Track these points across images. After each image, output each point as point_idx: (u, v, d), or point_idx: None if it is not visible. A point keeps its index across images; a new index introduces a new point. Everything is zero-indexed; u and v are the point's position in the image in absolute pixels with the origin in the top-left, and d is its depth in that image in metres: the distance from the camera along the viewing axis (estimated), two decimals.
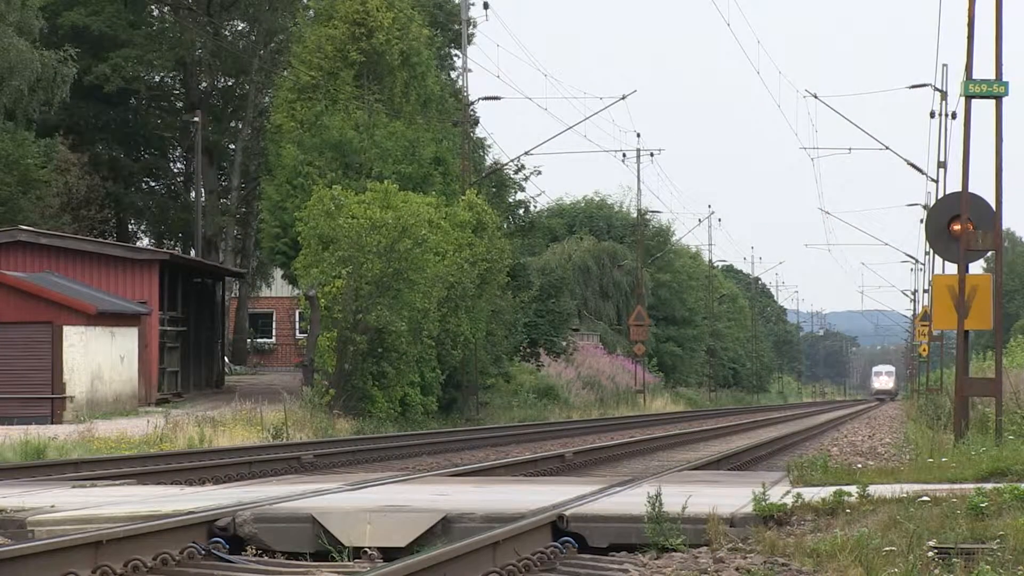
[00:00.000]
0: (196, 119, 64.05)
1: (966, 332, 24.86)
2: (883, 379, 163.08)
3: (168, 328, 49.79)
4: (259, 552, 13.07)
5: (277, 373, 69.48)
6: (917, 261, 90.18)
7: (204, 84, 73.30)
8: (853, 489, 14.20)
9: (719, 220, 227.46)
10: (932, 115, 58.28)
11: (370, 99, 51.85)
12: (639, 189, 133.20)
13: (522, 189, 69.85)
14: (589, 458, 29.60)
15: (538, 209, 76.21)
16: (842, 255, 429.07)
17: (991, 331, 26.82)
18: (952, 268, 26.17)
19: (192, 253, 65.11)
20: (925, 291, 75.30)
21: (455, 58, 72.33)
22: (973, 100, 24.28)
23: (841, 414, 73.86)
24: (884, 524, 12.54)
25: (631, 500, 14.49)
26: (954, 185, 42.62)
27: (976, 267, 29.65)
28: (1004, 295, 29.83)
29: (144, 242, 75.44)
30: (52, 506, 14.45)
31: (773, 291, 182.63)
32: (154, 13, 72.98)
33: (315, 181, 47.45)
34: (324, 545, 12.99)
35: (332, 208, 43.40)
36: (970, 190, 24.64)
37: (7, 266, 45.20)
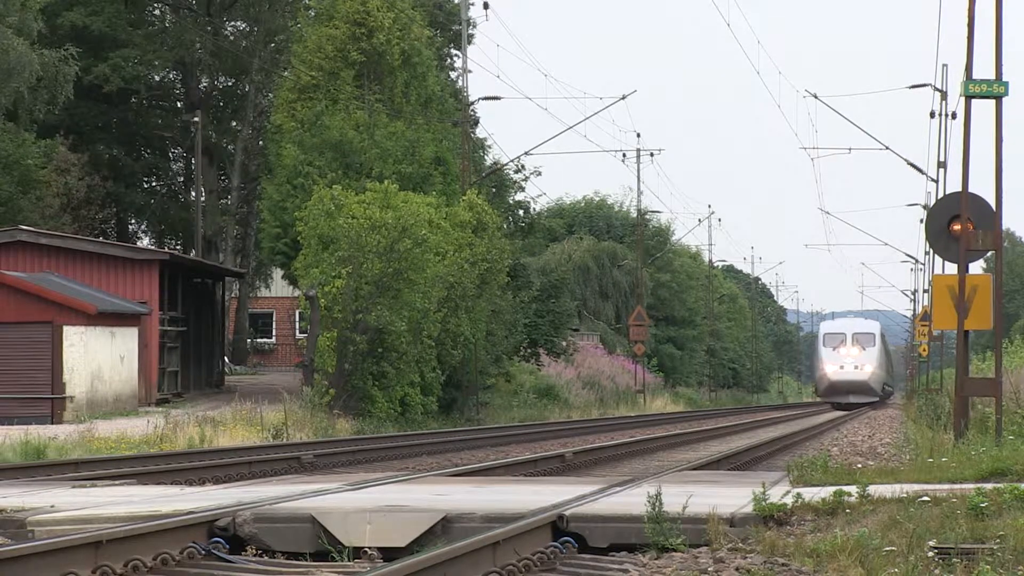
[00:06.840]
0: (196, 119, 64.04)
1: (966, 332, 24.87)
2: (845, 354, 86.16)
3: (168, 328, 49.78)
4: (259, 552, 13.07)
5: (277, 373, 69.43)
6: (917, 261, 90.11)
7: (204, 84, 73.31)
8: (853, 489, 14.20)
9: (719, 220, 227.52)
10: (932, 115, 58.24)
11: (370, 99, 51.87)
12: (639, 189, 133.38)
13: (522, 189, 69.98)
14: (589, 458, 29.58)
15: (538, 210, 76.28)
16: (842, 255, 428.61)
17: (991, 331, 26.80)
18: (952, 268, 26.17)
19: (192, 253, 65.08)
20: (925, 291, 75.28)
21: (455, 58, 72.44)
22: (973, 100, 24.29)
23: (841, 414, 73.82)
24: (884, 524, 12.54)
25: (631, 500, 14.49)
26: (954, 185, 42.61)
27: (976, 267, 29.62)
28: (1004, 295, 29.81)
29: (144, 242, 75.44)
30: (52, 506, 14.45)
31: (773, 291, 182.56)
32: (154, 13, 73.01)
33: (315, 181, 47.46)
34: (324, 545, 12.99)
35: (332, 208, 43.42)
36: (970, 190, 24.65)
37: (7, 266, 45.18)
